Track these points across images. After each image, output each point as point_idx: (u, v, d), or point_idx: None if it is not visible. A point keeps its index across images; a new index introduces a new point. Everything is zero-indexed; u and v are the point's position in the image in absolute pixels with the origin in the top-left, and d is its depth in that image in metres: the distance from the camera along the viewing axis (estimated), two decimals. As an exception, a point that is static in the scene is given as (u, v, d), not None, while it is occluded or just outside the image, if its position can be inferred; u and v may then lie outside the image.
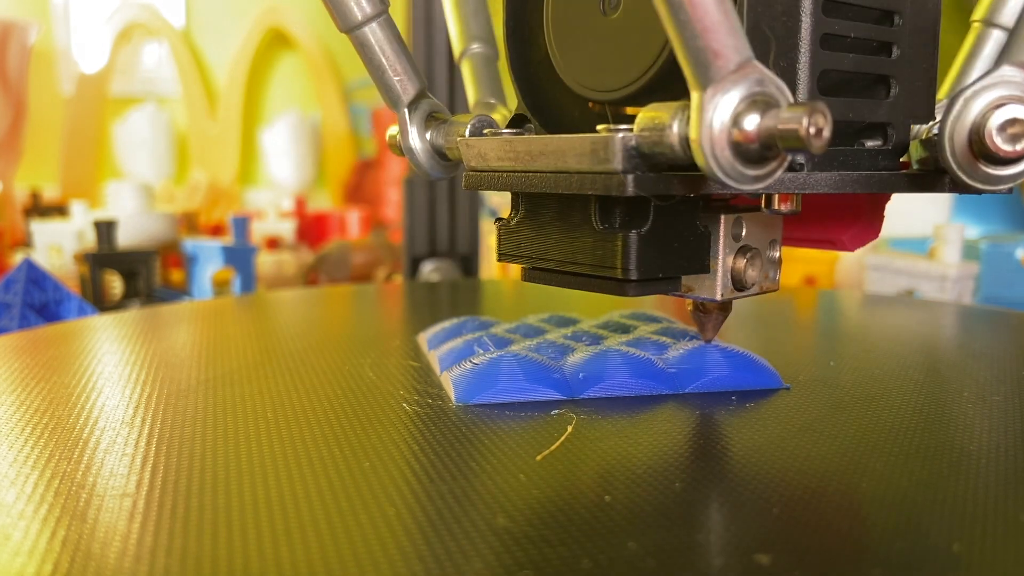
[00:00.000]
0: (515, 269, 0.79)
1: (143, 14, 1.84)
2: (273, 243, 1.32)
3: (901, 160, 0.20)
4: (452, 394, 0.22)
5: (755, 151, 0.14)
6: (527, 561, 0.13)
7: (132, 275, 0.76)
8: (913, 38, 0.19)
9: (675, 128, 0.15)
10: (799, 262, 0.66)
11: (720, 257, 0.20)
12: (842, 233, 0.22)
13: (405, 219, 0.72)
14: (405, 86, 0.22)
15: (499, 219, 0.21)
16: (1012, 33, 0.17)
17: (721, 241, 0.20)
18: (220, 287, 0.85)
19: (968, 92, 0.16)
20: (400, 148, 0.23)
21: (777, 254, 0.22)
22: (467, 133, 0.21)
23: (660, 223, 0.18)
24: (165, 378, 0.25)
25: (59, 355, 0.28)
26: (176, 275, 1.06)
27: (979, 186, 0.17)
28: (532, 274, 0.21)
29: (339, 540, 0.14)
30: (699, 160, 0.15)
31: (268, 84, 2.00)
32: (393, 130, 0.23)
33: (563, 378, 0.22)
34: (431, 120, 0.22)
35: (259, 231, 1.33)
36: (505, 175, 0.19)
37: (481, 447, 0.18)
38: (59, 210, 1.33)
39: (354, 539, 0.14)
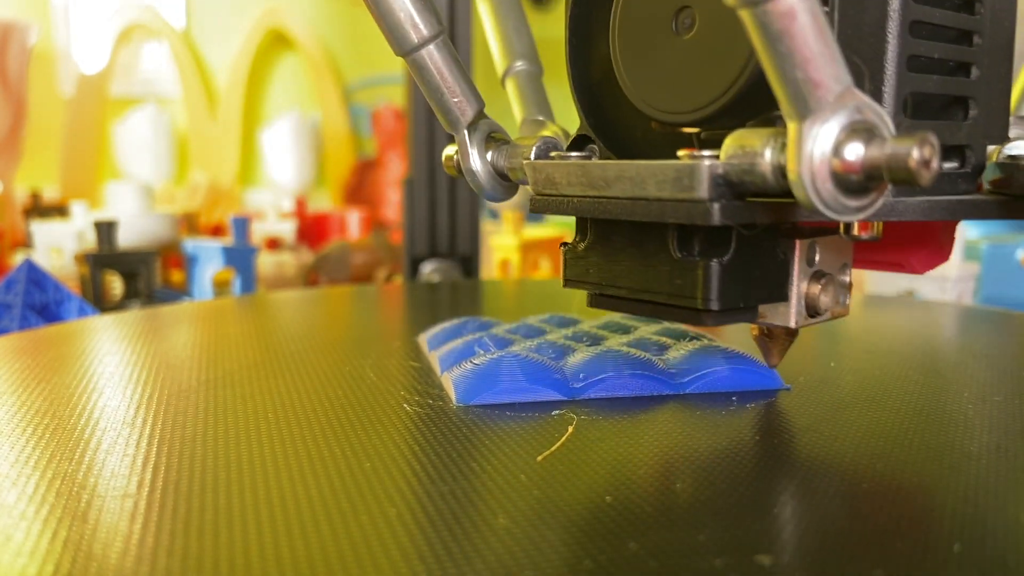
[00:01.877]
0: (514, 269, 0.79)
1: (143, 15, 1.84)
2: (273, 244, 1.32)
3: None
4: (453, 395, 0.22)
5: (857, 182, 0.14)
6: (528, 562, 0.13)
7: (132, 276, 0.76)
8: (990, 57, 0.19)
9: (767, 157, 0.15)
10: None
11: (795, 283, 0.19)
12: (912, 256, 0.21)
13: (405, 220, 0.72)
14: (464, 108, 0.21)
15: (564, 244, 0.20)
16: None
17: (796, 267, 0.19)
18: (220, 288, 0.85)
19: None
20: (458, 168, 0.22)
21: (848, 278, 0.21)
22: (532, 156, 0.21)
23: (741, 251, 0.18)
24: (166, 379, 0.25)
25: (60, 356, 0.28)
26: (176, 276, 1.06)
27: None
28: (599, 300, 0.20)
29: (340, 540, 0.14)
30: (798, 192, 0.14)
31: (268, 85, 2.00)
32: (450, 150, 0.22)
33: (564, 379, 0.22)
34: (491, 141, 0.22)
35: (259, 232, 1.34)
36: (576, 200, 0.19)
37: (482, 447, 0.18)
38: (59, 211, 1.33)
39: (355, 539, 0.14)
